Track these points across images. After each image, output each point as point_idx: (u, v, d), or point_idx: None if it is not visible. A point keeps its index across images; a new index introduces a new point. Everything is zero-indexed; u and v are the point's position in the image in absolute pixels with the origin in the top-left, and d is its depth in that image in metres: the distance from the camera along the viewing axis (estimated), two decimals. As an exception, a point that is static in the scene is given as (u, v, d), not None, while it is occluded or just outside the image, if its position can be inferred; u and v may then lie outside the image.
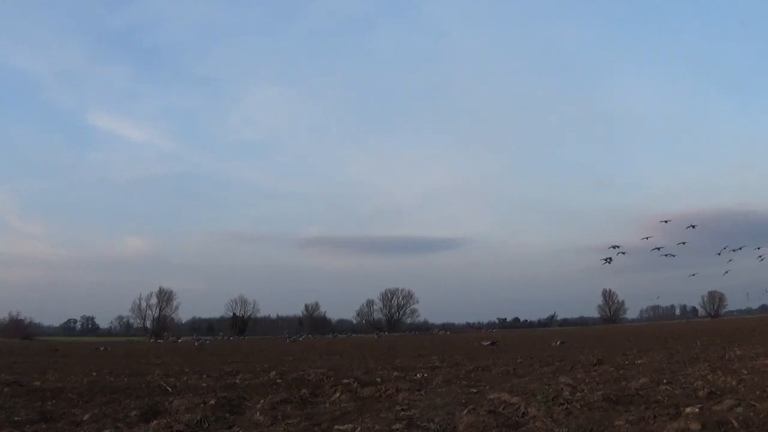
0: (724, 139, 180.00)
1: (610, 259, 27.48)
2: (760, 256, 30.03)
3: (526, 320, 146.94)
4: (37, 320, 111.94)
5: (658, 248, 29.55)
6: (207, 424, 6.77)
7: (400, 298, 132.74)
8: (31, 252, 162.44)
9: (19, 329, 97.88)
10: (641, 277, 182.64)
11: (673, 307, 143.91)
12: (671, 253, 29.59)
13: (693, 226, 28.57)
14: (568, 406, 6.73)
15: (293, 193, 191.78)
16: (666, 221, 29.09)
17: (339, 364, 17.61)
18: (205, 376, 13.47)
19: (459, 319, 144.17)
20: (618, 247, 26.42)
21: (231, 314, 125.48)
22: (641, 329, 60.00)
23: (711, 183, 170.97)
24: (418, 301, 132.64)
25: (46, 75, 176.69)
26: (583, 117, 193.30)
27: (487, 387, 9.55)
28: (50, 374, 14.29)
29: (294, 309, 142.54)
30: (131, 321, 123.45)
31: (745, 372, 9.73)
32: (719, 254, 30.27)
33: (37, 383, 11.20)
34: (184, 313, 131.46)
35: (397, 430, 6.03)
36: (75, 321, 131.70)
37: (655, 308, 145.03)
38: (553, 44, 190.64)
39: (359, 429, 6.14)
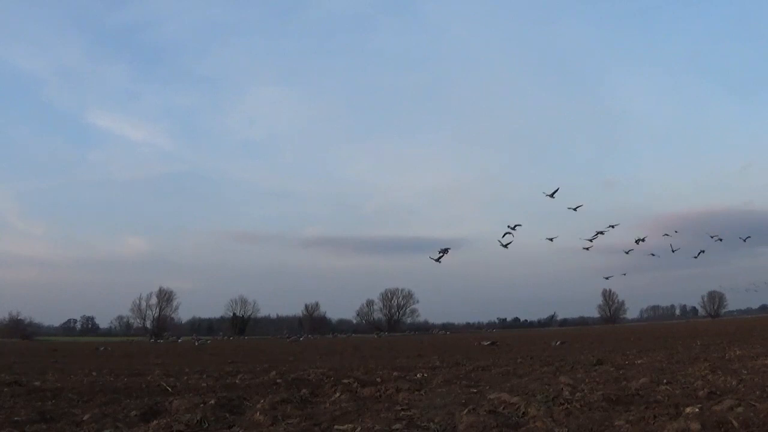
0: (730, 139, 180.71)
1: (441, 256, 24.98)
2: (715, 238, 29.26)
3: (526, 320, 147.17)
4: (37, 320, 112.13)
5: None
6: (207, 424, 6.77)
7: (400, 298, 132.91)
8: (31, 252, 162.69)
9: (19, 329, 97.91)
10: (641, 277, 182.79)
11: (673, 307, 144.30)
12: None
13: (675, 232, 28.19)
14: (568, 406, 6.73)
15: (293, 193, 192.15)
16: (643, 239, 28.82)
17: (339, 364, 17.61)
18: (205, 376, 13.47)
19: (459, 319, 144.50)
20: (517, 226, 24.04)
21: (231, 314, 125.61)
22: (641, 329, 59.96)
23: (715, 183, 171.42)
24: (418, 301, 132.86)
25: (46, 75, 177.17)
26: (584, 117, 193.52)
27: (487, 387, 9.55)
28: (50, 374, 14.28)
29: (294, 309, 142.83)
30: (131, 321, 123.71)
31: (745, 372, 9.72)
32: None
33: (37, 383, 11.19)
34: (184, 313, 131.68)
35: (397, 430, 6.03)
36: (75, 321, 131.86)
37: (655, 308, 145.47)
38: (554, 44, 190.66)
39: (359, 429, 6.13)
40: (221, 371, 15.15)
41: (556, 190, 24.00)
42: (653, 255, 29.40)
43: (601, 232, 26.10)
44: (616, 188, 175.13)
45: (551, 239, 28.62)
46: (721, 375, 9.36)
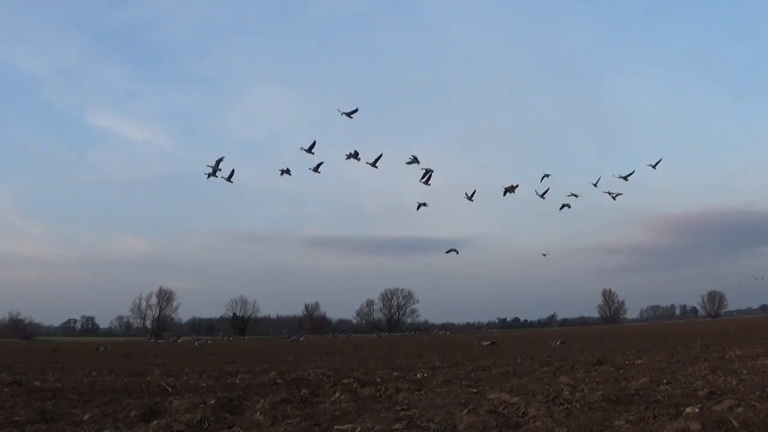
0: (730, 139, 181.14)
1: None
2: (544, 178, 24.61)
3: (526, 320, 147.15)
4: (37, 320, 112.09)
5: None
6: (207, 424, 6.77)
7: (400, 298, 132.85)
8: (31, 252, 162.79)
9: (19, 329, 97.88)
10: (641, 277, 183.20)
11: (673, 307, 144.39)
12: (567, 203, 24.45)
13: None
14: (568, 406, 6.73)
15: (293, 193, 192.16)
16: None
17: (339, 364, 17.61)
18: (205, 376, 13.47)
19: (459, 319, 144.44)
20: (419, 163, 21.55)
21: (231, 314, 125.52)
22: (641, 329, 59.98)
23: (716, 183, 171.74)
24: (418, 301, 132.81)
25: (46, 75, 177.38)
26: (584, 117, 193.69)
27: (487, 387, 9.55)
28: (50, 374, 14.28)
29: (294, 309, 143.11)
30: (131, 321, 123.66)
31: (745, 372, 9.72)
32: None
33: (37, 383, 11.19)
34: (184, 313, 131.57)
35: (397, 430, 6.03)
36: (75, 321, 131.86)
37: (655, 308, 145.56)
38: (554, 44, 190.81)
39: (359, 429, 6.13)
40: (221, 371, 15.15)
41: (516, 186, 22.83)
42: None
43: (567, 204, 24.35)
44: (617, 188, 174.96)
45: (545, 255, 28.20)
46: (721, 375, 9.36)
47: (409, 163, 22.10)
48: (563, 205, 24.19)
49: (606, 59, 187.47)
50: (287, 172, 22.03)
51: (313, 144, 20.60)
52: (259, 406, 7.83)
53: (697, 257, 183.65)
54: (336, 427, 6.34)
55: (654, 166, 23.13)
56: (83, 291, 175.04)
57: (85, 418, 7.22)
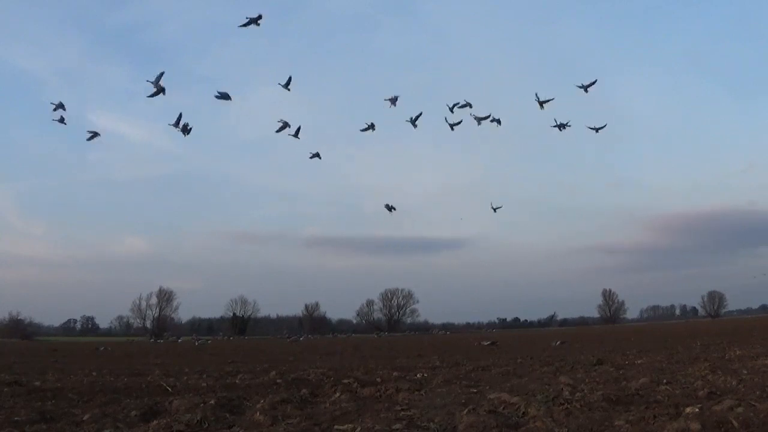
0: (732, 139, 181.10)
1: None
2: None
3: (526, 320, 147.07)
4: (37, 320, 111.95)
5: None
6: (207, 424, 6.77)
7: (400, 298, 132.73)
8: (31, 252, 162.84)
9: (19, 329, 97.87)
10: (641, 277, 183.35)
11: (673, 307, 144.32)
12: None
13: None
14: (568, 406, 6.73)
15: (293, 193, 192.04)
16: None
17: (339, 364, 17.61)
18: (205, 376, 13.47)
19: (459, 319, 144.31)
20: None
21: (231, 314, 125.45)
22: (641, 329, 59.98)
23: (718, 183, 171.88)
24: (418, 301, 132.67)
25: (46, 75, 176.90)
26: (584, 117, 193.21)
27: (487, 387, 9.55)
28: (50, 374, 14.28)
29: (294, 309, 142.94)
30: (131, 321, 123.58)
31: (745, 372, 9.72)
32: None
33: (37, 383, 11.19)
34: (184, 313, 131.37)
35: (397, 430, 6.03)
36: (75, 321, 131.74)
37: (655, 308, 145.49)
38: (554, 44, 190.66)
39: (359, 429, 6.13)
40: (221, 371, 15.15)
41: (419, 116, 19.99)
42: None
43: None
44: (618, 188, 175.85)
45: (495, 209, 27.02)
46: (721, 375, 9.36)
47: (278, 131, 20.42)
48: (480, 119, 21.85)
49: (606, 59, 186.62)
50: (178, 123, 19.48)
51: (290, 79, 19.00)
52: (259, 406, 7.83)
53: (697, 257, 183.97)
54: (336, 427, 6.34)
55: (586, 89, 21.69)
56: (83, 291, 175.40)
57: (85, 418, 7.22)
